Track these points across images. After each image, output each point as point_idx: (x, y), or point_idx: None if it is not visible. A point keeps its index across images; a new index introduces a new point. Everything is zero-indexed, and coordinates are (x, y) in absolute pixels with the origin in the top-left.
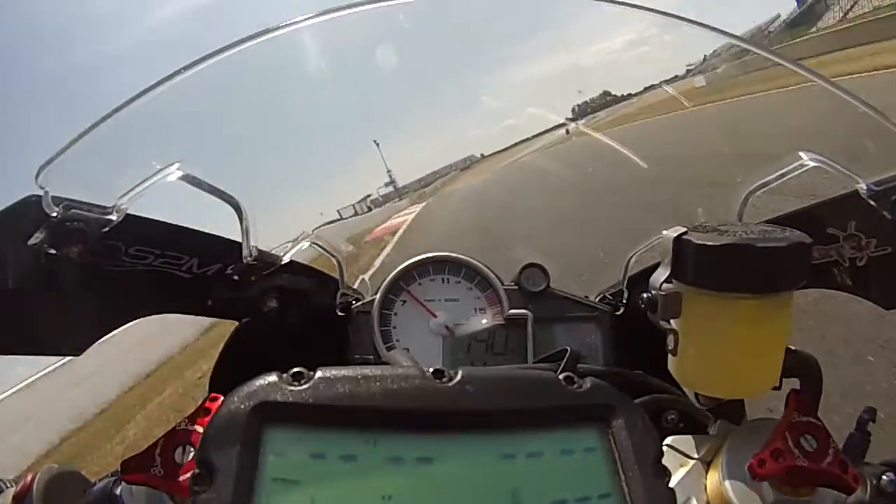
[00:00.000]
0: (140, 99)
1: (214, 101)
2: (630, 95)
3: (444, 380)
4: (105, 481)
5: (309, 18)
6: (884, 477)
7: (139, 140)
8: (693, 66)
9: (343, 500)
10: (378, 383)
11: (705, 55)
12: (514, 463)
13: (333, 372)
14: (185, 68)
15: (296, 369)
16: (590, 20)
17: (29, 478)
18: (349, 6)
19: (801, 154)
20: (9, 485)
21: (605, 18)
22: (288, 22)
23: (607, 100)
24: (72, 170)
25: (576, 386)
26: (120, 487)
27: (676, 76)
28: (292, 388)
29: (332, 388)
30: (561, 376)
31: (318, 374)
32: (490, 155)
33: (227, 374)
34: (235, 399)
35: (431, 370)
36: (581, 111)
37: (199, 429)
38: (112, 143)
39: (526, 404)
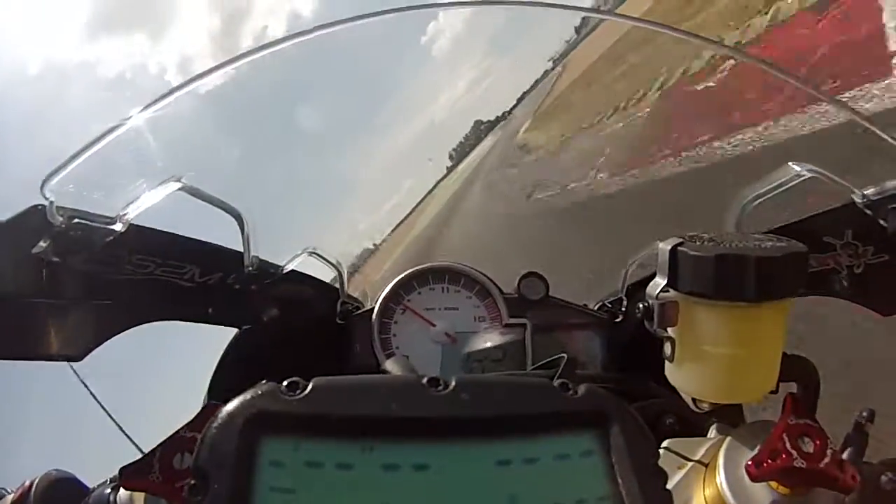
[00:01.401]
0: (143, 112)
1: (215, 116)
2: (505, 115)
3: (439, 388)
4: (103, 487)
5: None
6: (882, 476)
7: (143, 152)
8: (556, 56)
9: None
10: (373, 392)
11: (566, 40)
12: (510, 469)
13: (328, 381)
14: (186, 84)
15: (291, 379)
16: (423, 76)
17: (27, 483)
18: None
19: (795, 166)
20: (8, 491)
21: (437, 70)
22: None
23: (482, 127)
24: (76, 180)
25: (571, 392)
26: (118, 493)
27: (546, 72)
28: (288, 397)
29: (328, 398)
30: (556, 383)
31: (313, 383)
32: (382, 242)
33: (226, 381)
34: (230, 409)
35: (426, 378)
36: (460, 153)
37: (198, 435)
38: (116, 155)
39: (521, 411)
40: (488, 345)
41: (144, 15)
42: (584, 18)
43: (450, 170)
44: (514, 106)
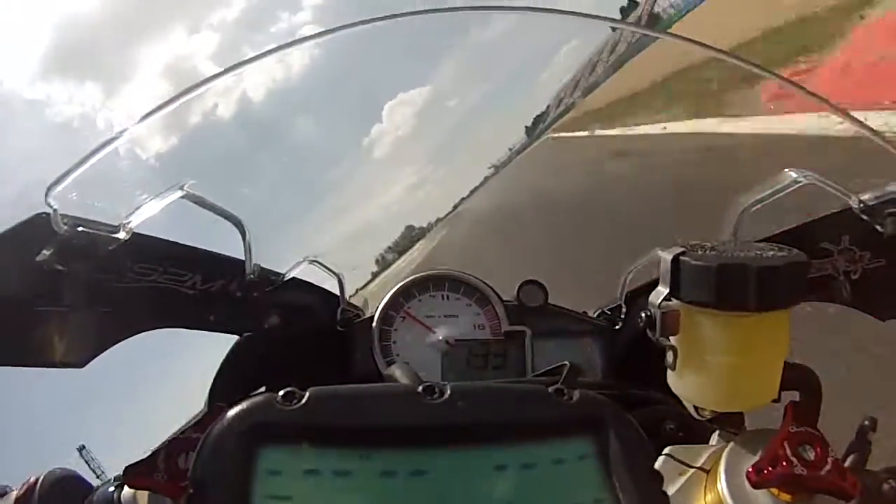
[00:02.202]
0: (145, 121)
1: (219, 123)
2: (439, 220)
3: (435, 395)
4: (107, 485)
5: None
6: (885, 484)
7: (146, 160)
8: (501, 160)
9: None
10: (369, 401)
11: (510, 147)
12: (507, 474)
13: (325, 391)
14: (189, 90)
15: (287, 389)
16: (362, 178)
17: (31, 480)
18: None
19: (792, 172)
20: (12, 488)
21: (374, 173)
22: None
23: (413, 234)
24: (80, 188)
25: (566, 398)
26: (122, 492)
27: (497, 167)
28: (284, 408)
29: (324, 407)
30: (551, 388)
31: (310, 393)
32: None
33: (227, 387)
34: (228, 419)
35: (422, 387)
36: (390, 256)
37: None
38: (119, 163)
39: (516, 417)
40: (488, 352)
41: (99, 66)
42: (532, 132)
43: (374, 275)
44: (452, 210)
